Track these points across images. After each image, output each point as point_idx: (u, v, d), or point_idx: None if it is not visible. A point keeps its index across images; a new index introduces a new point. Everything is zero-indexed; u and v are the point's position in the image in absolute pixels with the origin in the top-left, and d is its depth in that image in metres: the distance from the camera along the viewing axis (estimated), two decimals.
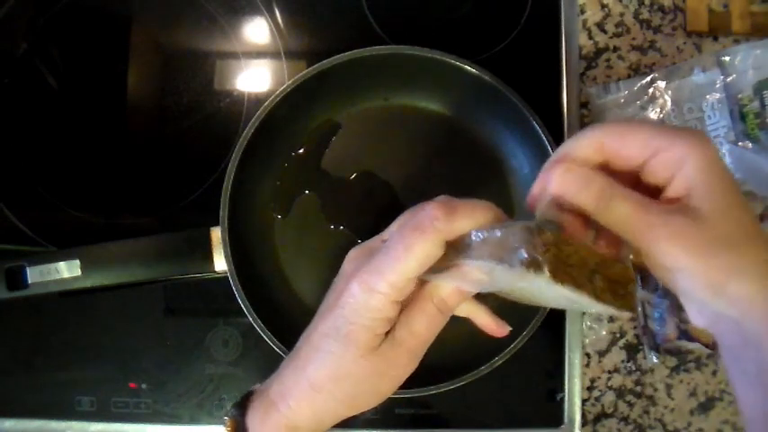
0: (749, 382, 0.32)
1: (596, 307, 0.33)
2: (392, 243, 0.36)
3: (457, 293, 0.37)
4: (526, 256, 0.31)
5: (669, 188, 0.32)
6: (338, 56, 0.52)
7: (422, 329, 0.37)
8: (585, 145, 0.33)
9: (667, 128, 0.32)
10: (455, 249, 0.36)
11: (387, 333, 0.37)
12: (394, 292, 0.35)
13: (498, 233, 0.33)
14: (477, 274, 0.35)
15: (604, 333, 0.59)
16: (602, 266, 0.32)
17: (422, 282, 0.37)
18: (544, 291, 0.33)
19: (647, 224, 0.31)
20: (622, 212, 0.31)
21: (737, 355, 0.32)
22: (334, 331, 0.36)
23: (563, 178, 0.32)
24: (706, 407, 0.59)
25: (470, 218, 0.35)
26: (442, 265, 0.36)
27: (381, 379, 0.36)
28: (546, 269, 0.30)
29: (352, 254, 0.40)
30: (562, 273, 0.31)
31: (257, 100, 0.60)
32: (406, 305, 0.37)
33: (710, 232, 0.30)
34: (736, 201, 0.31)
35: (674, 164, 0.31)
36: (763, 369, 0.31)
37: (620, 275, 0.33)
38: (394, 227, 0.40)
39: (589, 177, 0.32)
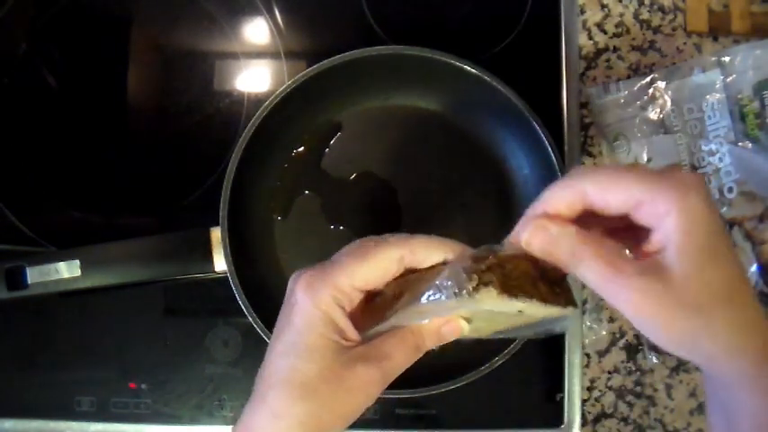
0: (718, 416, 0.34)
1: (542, 311, 0.34)
2: (345, 252, 0.36)
3: (435, 336, 0.37)
4: (475, 281, 0.32)
5: (649, 241, 0.32)
6: (338, 56, 0.52)
7: (398, 355, 0.36)
8: (567, 195, 0.33)
9: (654, 176, 0.32)
10: (413, 295, 0.36)
11: (354, 349, 0.35)
12: (339, 294, 0.35)
13: (446, 271, 0.34)
14: (435, 311, 0.35)
15: (604, 333, 0.59)
16: (540, 272, 0.34)
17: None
18: (496, 312, 0.34)
19: (615, 286, 0.31)
20: (592, 274, 0.32)
21: (708, 393, 0.35)
22: (291, 347, 0.35)
23: (534, 237, 0.33)
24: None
25: (428, 246, 0.35)
26: (399, 311, 0.36)
27: (353, 398, 0.35)
28: (495, 287, 0.32)
29: (295, 275, 0.37)
30: (511, 287, 0.32)
31: (257, 100, 0.60)
32: (369, 327, 0.37)
33: (677, 296, 0.30)
34: (711, 261, 0.31)
35: (656, 218, 0.31)
36: (730, 413, 0.33)
37: (554, 275, 0.35)
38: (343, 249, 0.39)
39: (559, 237, 0.32)
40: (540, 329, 0.38)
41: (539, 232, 0.33)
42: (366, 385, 0.35)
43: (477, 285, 0.32)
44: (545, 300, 0.34)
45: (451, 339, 0.37)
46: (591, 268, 0.32)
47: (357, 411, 0.35)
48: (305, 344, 0.34)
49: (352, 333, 0.35)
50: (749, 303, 0.32)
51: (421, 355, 0.37)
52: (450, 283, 0.33)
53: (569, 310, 0.35)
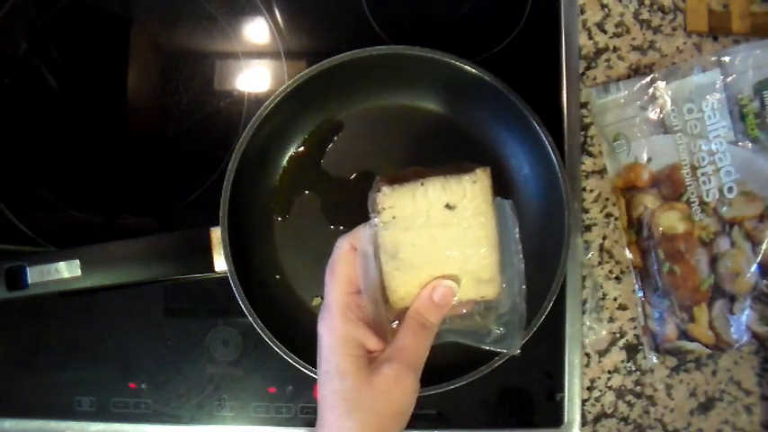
0: None
1: (455, 189, 0.39)
2: (326, 278, 0.42)
3: (431, 306, 0.40)
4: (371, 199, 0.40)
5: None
6: (338, 56, 0.52)
7: (407, 343, 0.40)
8: None
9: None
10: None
11: (376, 355, 0.40)
12: (343, 310, 0.39)
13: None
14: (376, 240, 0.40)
15: (604, 333, 0.59)
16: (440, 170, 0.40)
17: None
18: (443, 229, 0.39)
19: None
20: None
21: None
22: (325, 374, 0.39)
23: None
24: (706, 407, 0.59)
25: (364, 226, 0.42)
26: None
27: (391, 396, 0.39)
28: (385, 185, 0.39)
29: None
30: (401, 179, 0.39)
31: (257, 100, 0.60)
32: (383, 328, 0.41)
33: None
34: None
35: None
36: None
37: (464, 167, 0.40)
38: None
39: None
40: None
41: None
42: (396, 381, 0.39)
43: (374, 198, 0.39)
44: (444, 173, 0.39)
45: (449, 301, 0.40)
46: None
47: (403, 405, 0.39)
48: (334, 366, 0.39)
49: (373, 343, 0.40)
50: None
51: (434, 332, 0.40)
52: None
53: (479, 172, 0.39)
